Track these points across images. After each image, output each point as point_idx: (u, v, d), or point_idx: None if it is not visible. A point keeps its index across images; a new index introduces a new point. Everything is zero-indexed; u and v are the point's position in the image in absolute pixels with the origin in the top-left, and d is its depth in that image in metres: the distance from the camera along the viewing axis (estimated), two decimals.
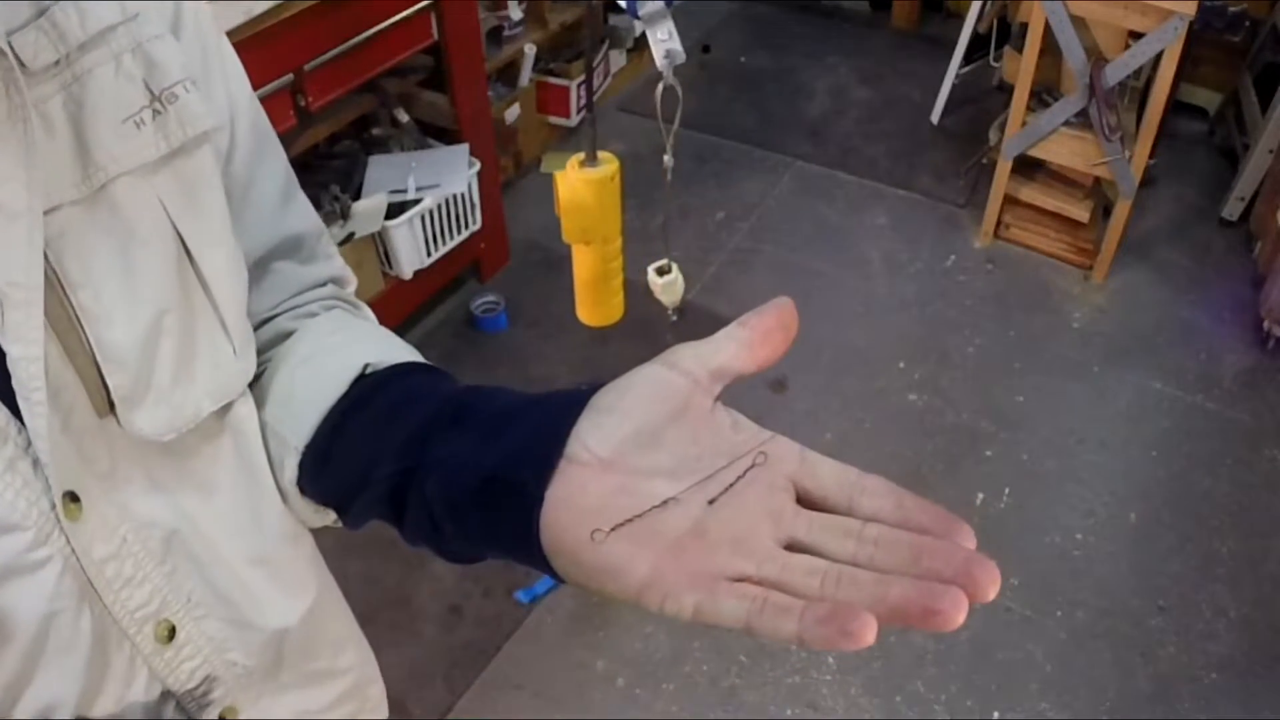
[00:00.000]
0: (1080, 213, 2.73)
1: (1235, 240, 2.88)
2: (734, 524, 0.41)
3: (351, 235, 2.21)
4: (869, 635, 0.35)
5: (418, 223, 2.29)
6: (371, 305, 2.45)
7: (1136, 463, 2.32)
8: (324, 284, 0.66)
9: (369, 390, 0.56)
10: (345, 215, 2.22)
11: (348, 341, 0.60)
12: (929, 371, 2.52)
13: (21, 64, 0.44)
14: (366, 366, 0.57)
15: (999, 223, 2.85)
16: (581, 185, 1.50)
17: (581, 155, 1.49)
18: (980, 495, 2.24)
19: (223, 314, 0.54)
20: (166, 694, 0.57)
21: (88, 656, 0.51)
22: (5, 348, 0.44)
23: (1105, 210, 2.77)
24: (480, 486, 0.46)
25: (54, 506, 0.48)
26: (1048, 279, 2.79)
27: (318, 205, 2.21)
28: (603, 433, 0.43)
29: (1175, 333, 2.63)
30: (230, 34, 1.73)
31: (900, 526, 0.40)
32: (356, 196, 2.29)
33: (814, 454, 0.43)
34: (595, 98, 3.21)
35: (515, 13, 2.83)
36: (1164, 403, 2.45)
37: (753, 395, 2.42)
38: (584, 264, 1.62)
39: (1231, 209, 2.89)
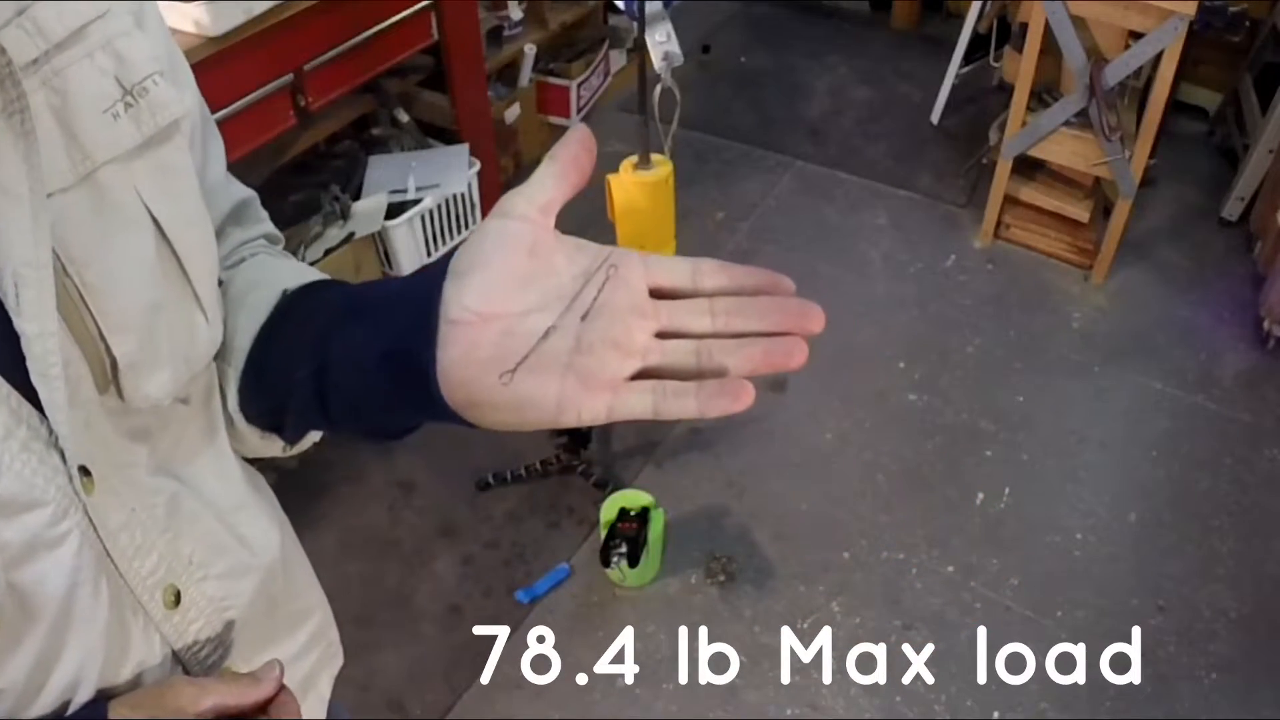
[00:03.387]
0: (1080, 213, 2.73)
1: (1235, 240, 2.88)
2: (610, 330, 0.47)
3: (351, 235, 2.21)
4: (749, 395, 0.44)
5: (418, 223, 2.29)
6: None
7: (1136, 463, 2.32)
8: (256, 239, 0.71)
9: (284, 309, 0.61)
10: (345, 215, 2.22)
11: (270, 275, 0.65)
12: (929, 371, 2.52)
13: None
14: (285, 291, 0.62)
15: (999, 223, 2.85)
16: (635, 189, 1.49)
17: (635, 158, 1.48)
18: (980, 495, 2.24)
19: (196, 288, 0.57)
20: (176, 659, 0.60)
21: (107, 628, 0.54)
22: (21, 327, 0.47)
23: (1105, 210, 2.77)
24: (379, 365, 0.52)
25: (71, 480, 0.50)
26: (1048, 279, 2.79)
27: (317, 205, 2.23)
28: (473, 290, 0.48)
29: (1175, 333, 2.63)
30: (230, 34, 1.74)
31: (738, 293, 0.48)
32: (356, 196, 2.29)
33: (652, 255, 0.50)
34: (597, 97, 3.21)
35: (515, 13, 2.83)
36: (1164, 403, 2.45)
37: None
38: None
39: (1231, 209, 2.89)
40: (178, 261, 0.55)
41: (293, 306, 0.61)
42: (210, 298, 0.58)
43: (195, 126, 0.62)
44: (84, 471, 0.51)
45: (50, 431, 0.49)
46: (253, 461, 0.70)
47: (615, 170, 1.55)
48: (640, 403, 0.46)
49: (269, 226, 0.73)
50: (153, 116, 0.53)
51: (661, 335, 0.48)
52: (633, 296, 0.48)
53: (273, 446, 0.66)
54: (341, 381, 0.55)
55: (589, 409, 0.46)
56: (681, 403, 0.45)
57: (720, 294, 0.49)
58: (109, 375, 0.53)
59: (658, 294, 0.49)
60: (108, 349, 0.52)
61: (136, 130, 0.52)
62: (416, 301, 0.49)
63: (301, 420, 0.60)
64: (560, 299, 0.48)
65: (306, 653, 0.77)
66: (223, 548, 0.63)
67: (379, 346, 0.52)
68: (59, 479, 0.49)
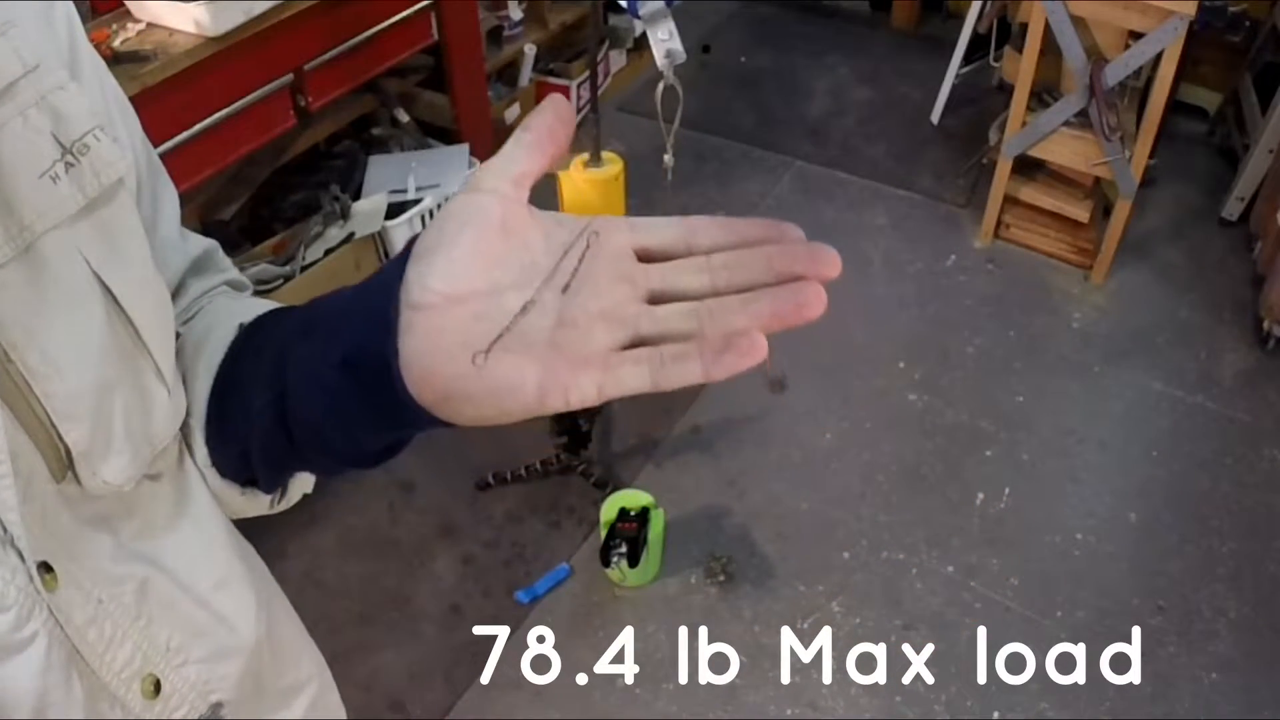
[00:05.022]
0: (1080, 213, 2.73)
1: (1235, 240, 2.88)
2: (596, 301, 0.42)
3: (351, 235, 2.21)
4: (762, 349, 0.39)
5: (418, 223, 2.29)
6: None
7: (1136, 463, 2.32)
8: (216, 288, 0.66)
9: (239, 345, 0.57)
10: (345, 215, 2.22)
11: (224, 316, 0.60)
12: (929, 371, 2.52)
13: None
14: (240, 325, 0.57)
15: (999, 223, 2.85)
16: (586, 185, 1.51)
17: (585, 156, 1.50)
18: (980, 495, 2.24)
19: (156, 359, 0.53)
20: None
21: None
22: None
23: (1105, 210, 2.77)
24: (338, 373, 0.47)
25: (32, 580, 0.46)
26: (1048, 279, 2.79)
27: (317, 205, 2.23)
28: (437, 271, 0.43)
29: (1175, 333, 2.63)
30: (230, 34, 1.74)
31: (739, 246, 0.43)
32: (356, 196, 2.29)
33: (639, 218, 0.45)
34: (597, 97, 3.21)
35: (515, 13, 2.83)
36: (1164, 403, 2.45)
37: (753, 395, 2.42)
38: None
39: (1231, 209, 2.89)
40: (133, 330, 0.51)
41: (248, 340, 0.57)
42: (169, 368, 0.54)
43: (142, 179, 0.57)
44: (45, 568, 0.47)
45: (5, 530, 0.45)
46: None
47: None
48: (635, 376, 0.40)
49: (233, 274, 0.67)
50: (96, 176, 0.48)
51: (655, 301, 0.43)
52: (618, 263, 0.43)
53: (258, 503, 0.62)
54: (302, 403, 0.50)
55: (576, 390, 0.40)
56: (683, 368, 0.39)
57: (718, 250, 0.43)
58: (64, 462, 0.48)
59: (647, 258, 0.44)
60: (59, 436, 0.47)
61: (79, 193, 0.48)
62: (374, 296, 0.45)
63: (268, 459, 0.56)
64: (538, 274, 0.43)
65: None
66: (202, 631, 0.58)
67: (337, 354, 0.47)
68: (19, 579, 0.46)
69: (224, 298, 0.65)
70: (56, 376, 0.47)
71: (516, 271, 0.43)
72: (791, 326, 0.40)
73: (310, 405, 0.50)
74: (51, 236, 0.47)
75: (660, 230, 0.44)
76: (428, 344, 0.42)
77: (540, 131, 0.46)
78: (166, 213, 0.61)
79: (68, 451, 0.48)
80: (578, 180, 1.51)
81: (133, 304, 0.51)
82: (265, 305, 0.60)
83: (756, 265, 0.42)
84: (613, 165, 1.51)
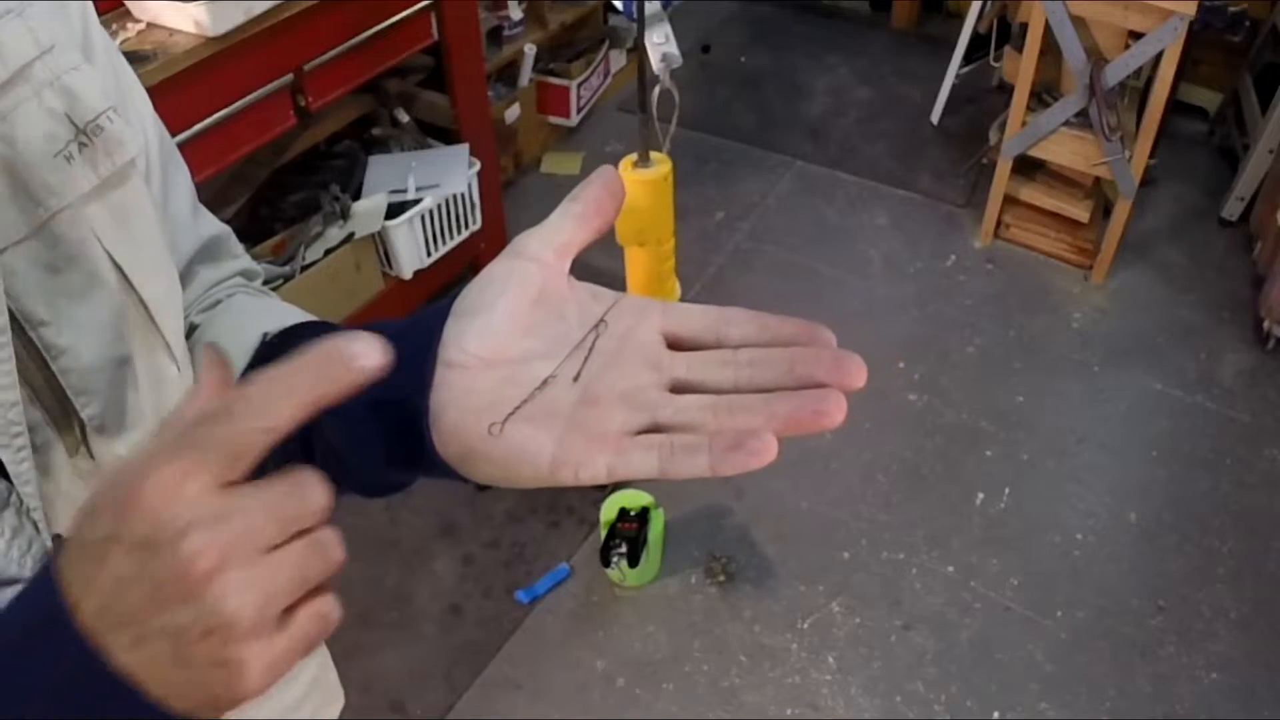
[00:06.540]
0: (1080, 213, 2.73)
1: (1235, 240, 2.88)
2: (619, 382, 0.43)
3: (351, 235, 2.21)
4: (771, 451, 0.38)
5: (418, 223, 2.29)
6: (371, 305, 2.45)
7: (1136, 463, 2.32)
8: (231, 278, 0.67)
9: (264, 356, 0.57)
10: (345, 215, 2.22)
11: (248, 320, 0.60)
12: (929, 371, 2.52)
13: None
14: (265, 335, 0.58)
15: (999, 223, 2.85)
16: (635, 186, 1.49)
17: (634, 156, 1.49)
18: (980, 495, 2.24)
19: (166, 337, 0.54)
20: None
21: None
22: None
23: (1105, 210, 2.77)
24: (369, 414, 0.47)
25: (48, 551, 0.47)
26: (1048, 279, 2.79)
27: (317, 205, 2.23)
28: (474, 333, 0.44)
29: (1175, 333, 2.63)
30: (230, 34, 1.74)
31: (769, 345, 0.43)
32: (356, 196, 2.29)
33: (672, 303, 0.45)
34: (597, 97, 3.21)
35: (515, 13, 2.83)
36: (1164, 403, 2.45)
37: None
38: (638, 265, 1.61)
39: (1231, 209, 2.89)
40: (145, 309, 0.52)
41: (274, 352, 0.57)
42: (179, 346, 0.55)
43: (152, 159, 0.58)
44: (60, 540, 0.48)
45: (22, 502, 0.46)
46: None
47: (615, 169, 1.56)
48: (644, 461, 0.40)
49: (245, 262, 0.68)
50: (109, 156, 0.50)
51: (677, 390, 0.43)
52: (647, 347, 0.44)
53: None
54: (328, 432, 0.50)
55: (587, 468, 0.41)
56: (692, 460, 0.39)
57: (746, 345, 0.43)
58: (79, 437, 0.50)
59: (677, 345, 0.44)
60: (75, 410, 0.49)
61: (93, 172, 0.49)
62: (412, 345, 0.45)
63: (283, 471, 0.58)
64: (567, 346, 0.44)
65: (305, 700, 0.74)
66: None
67: (368, 393, 0.48)
68: (35, 550, 0.47)
69: (245, 295, 0.65)
70: (72, 353, 0.48)
71: (549, 341, 0.44)
72: (807, 432, 0.40)
73: (336, 435, 0.50)
74: (65, 215, 0.48)
75: (692, 318, 0.45)
76: (455, 402, 0.43)
77: (588, 203, 0.46)
78: (177, 193, 0.62)
79: (82, 426, 0.49)
80: (627, 181, 1.50)
81: (144, 283, 0.52)
82: (291, 314, 0.60)
83: (780, 367, 0.42)
84: (661, 165, 1.49)
